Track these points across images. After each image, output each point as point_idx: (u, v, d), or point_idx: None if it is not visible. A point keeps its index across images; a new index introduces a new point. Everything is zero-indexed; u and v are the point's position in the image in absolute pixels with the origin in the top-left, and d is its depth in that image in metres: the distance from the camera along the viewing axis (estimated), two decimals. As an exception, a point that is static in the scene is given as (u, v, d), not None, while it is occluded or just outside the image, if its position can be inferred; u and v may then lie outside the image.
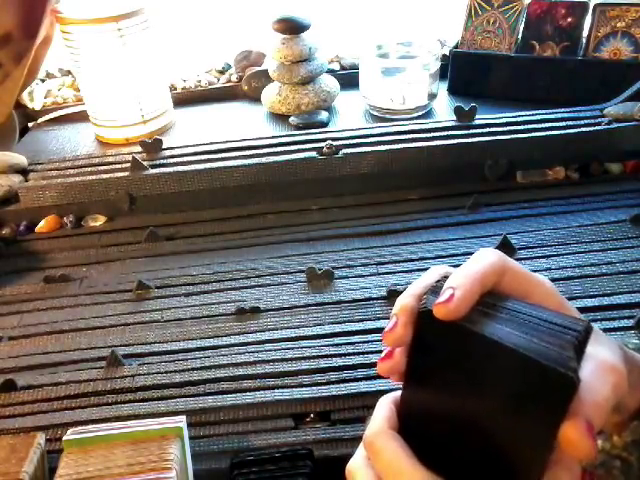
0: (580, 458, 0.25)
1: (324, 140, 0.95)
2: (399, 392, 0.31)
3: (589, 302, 0.73)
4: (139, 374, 0.69)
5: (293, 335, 0.73)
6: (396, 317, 0.29)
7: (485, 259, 0.28)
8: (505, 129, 0.95)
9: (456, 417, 0.28)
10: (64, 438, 0.54)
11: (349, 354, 0.69)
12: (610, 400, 0.26)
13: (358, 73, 1.11)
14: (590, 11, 1.03)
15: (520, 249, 0.83)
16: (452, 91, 1.15)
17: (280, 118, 1.11)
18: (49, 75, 1.28)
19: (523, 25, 1.08)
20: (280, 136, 0.99)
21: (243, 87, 1.18)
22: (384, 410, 0.31)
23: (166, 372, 0.69)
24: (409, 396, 0.30)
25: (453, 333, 0.27)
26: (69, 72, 1.28)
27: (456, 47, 1.13)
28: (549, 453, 0.26)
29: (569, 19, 1.04)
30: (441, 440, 0.29)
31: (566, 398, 0.24)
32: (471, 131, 0.96)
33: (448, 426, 0.28)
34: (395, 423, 0.30)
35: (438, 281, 0.29)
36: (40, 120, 1.18)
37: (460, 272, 0.28)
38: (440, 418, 0.29)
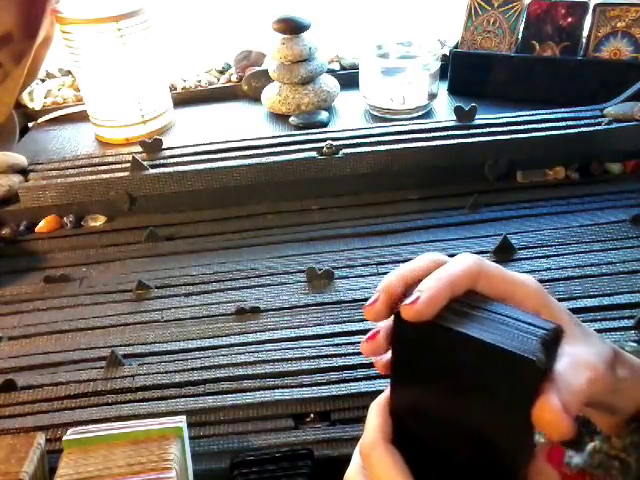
0: (558, 437, 0.25)
1: (324, 140, 0.95)
2: (388, 393, 0.32)
3: (589, 302, 0.73)
4: (139, 374, 0.69)
5: (293, 335, 0.73)
6: (378, 294, 0.30)
7: (459, 264, 0.29)
8: (505, 129, 0.95)
9: (441, 415, 0.28)
10: (64, 438, 0.54)
11: (349, 354, 0.69)
12: (584, 391, 0.26)
13: (358, 73, 1.11)
14: (590, 11, 1.03)
15: (520, 249, 0.83)
16: (452, 91, 1.15)
17: (280, 118, 1.10)
18: (49, 75, 1.27)
19: (523, 25, 1.08)
20: (280, 136, 0.99)
21: (243, 87, 1.18)
22: (377, 418, 0.31)
23: (166, 372, 0.69)
24: (397, 398, 0.31)
25: (425, 330, 0.27)
26: (69, 72, 1.28)
27: (456, 47, 1.13)
28: (530, 443, 0.26)
29: (569, 19, 1.04)
30: (432, 440, 0.29)
31: (532, 383, 0.25)
32: (471, 131, 0.95)
33: (436, 425, 0.29)
34: (388, 431, 0.30)
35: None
36: (40, 120, 1.18)
37: (432, 275, 0.29)
38: (428, 417, 0.29)
